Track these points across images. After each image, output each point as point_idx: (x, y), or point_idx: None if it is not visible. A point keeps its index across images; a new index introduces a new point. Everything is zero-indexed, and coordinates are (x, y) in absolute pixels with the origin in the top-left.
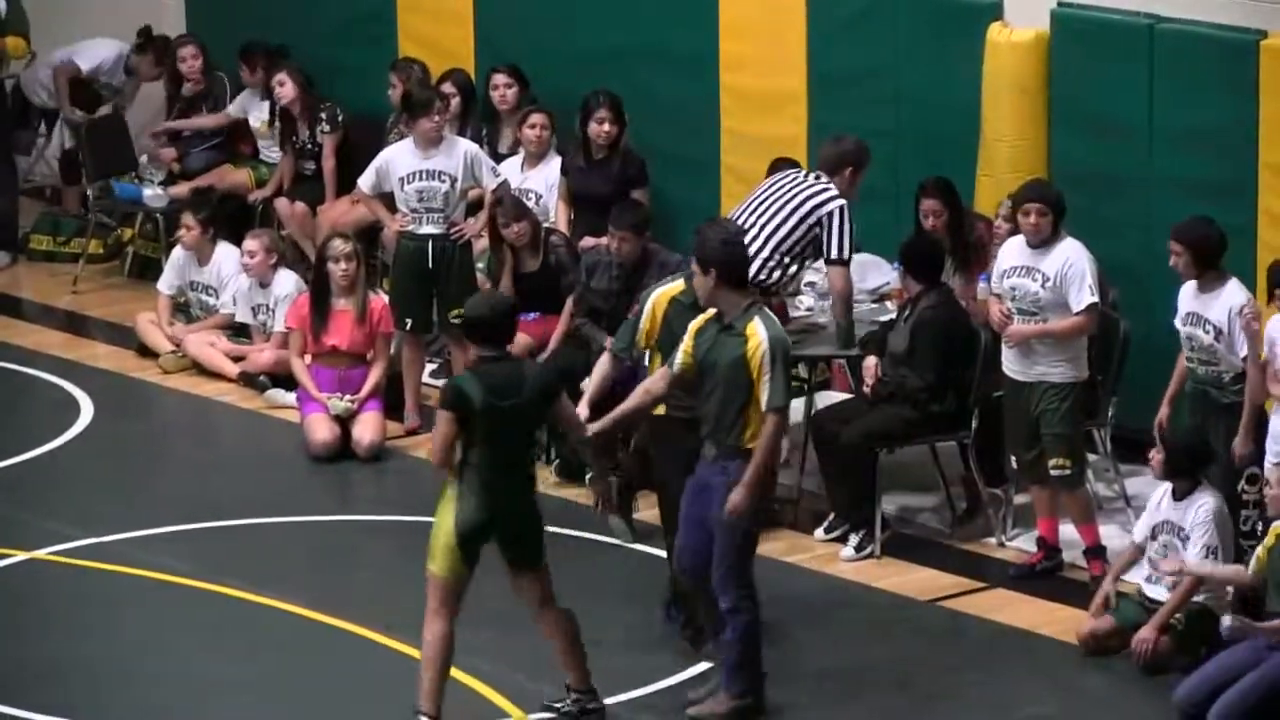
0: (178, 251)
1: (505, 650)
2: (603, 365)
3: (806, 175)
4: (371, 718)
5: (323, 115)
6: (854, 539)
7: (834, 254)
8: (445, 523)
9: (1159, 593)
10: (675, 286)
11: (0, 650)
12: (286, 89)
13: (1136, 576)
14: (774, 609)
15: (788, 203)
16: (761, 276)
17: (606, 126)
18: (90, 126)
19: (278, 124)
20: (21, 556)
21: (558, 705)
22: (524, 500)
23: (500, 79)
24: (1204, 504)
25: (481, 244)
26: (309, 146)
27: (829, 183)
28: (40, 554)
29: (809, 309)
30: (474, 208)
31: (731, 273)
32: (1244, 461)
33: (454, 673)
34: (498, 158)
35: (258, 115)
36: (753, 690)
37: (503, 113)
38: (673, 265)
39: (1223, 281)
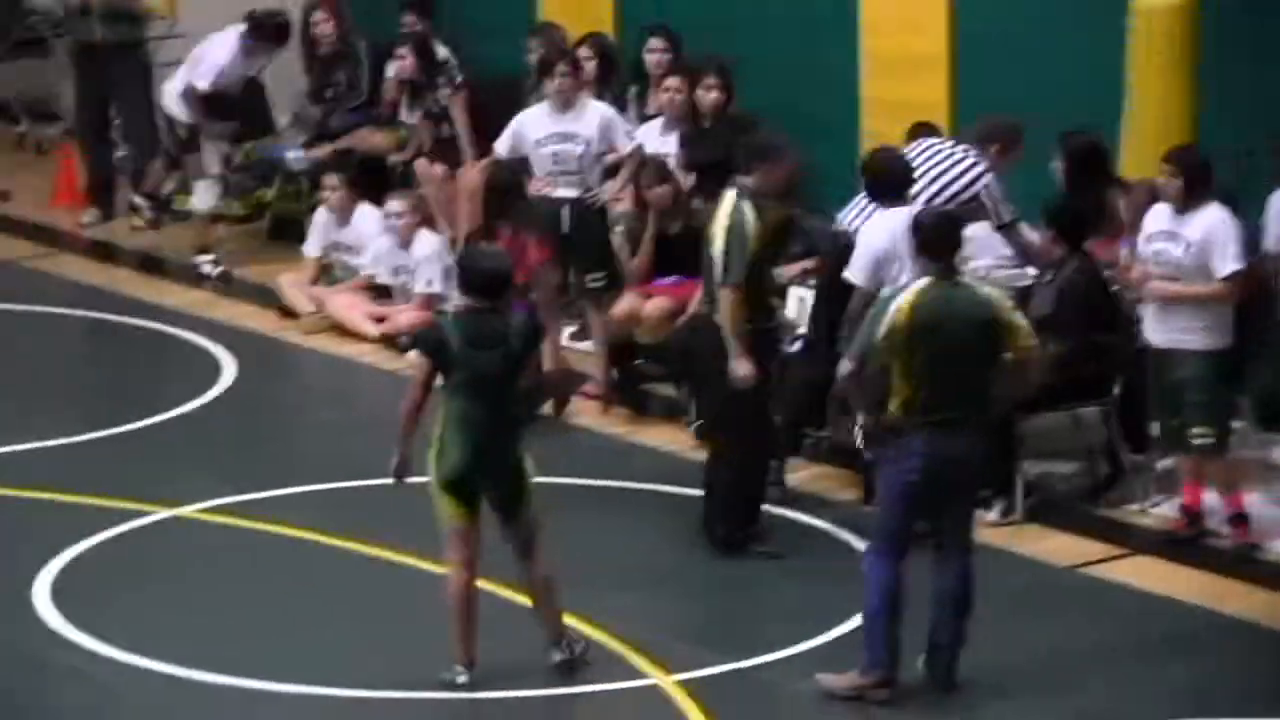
0: (321, 213)
1: (648, 613)
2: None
3: (954, 146)
4: (508, 674)
5: (440, 80)
6: (997, 505)
7: (1005, 219)
8: (430, 468)
9: None
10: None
11: (142, 605)
12: (407, 62)
13: None
14: (913, 574)
15: (934, 172)
16: None
17: (714, 94)
18: (227, 100)
19: (406, 94)
20: (164, 513)
21: (559, 659)
22: (505, 451)
23: (656, 43)
24: None
25: (619, 207)
26: (437, 110)
27: (977, 156)
28: (183, 511)
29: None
30: (611, 172)
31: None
32: None
33: (597, 634)
34: (646, 121)
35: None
36: (880, 664)
37: (655, 77)
38: (821, 233)
39: None
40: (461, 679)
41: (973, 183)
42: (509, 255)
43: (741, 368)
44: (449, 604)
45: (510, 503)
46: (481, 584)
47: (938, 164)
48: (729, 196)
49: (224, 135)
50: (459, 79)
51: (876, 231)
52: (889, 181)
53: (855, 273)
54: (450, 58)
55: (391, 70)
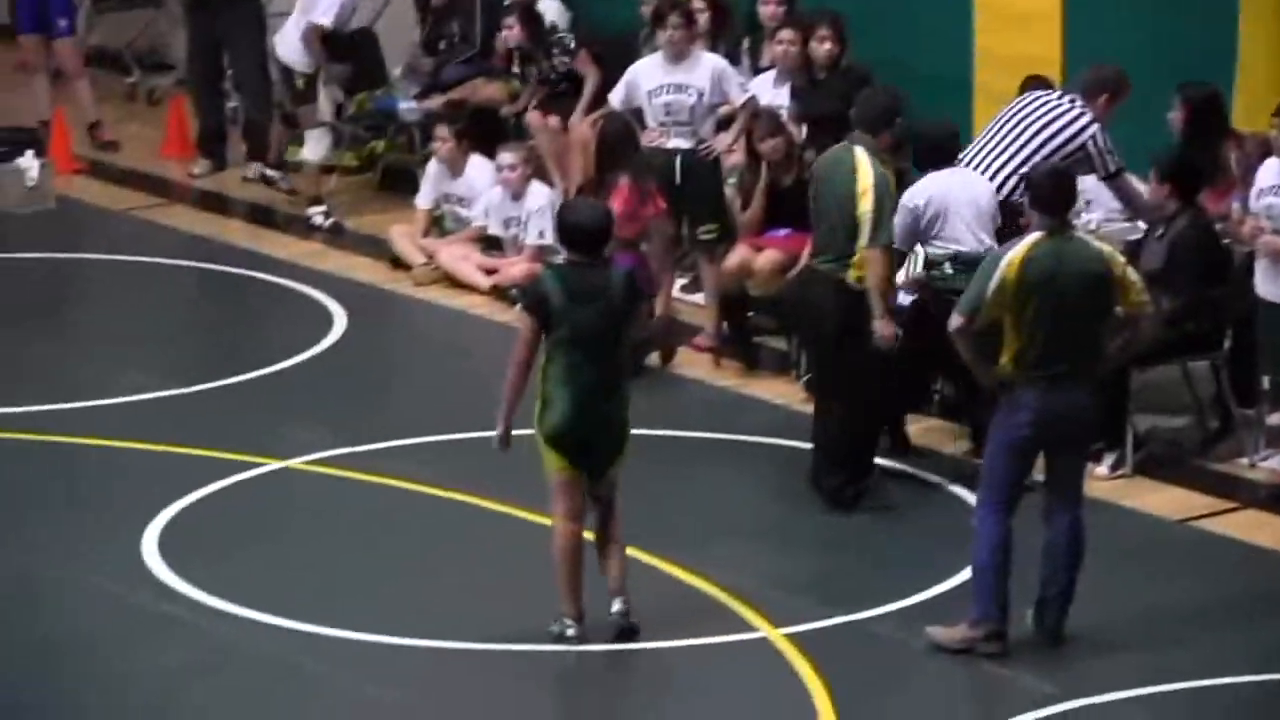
0: (433, 165)
1: (757, 566)
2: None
3: (1061, 98)
4: (611, 625)
5: (555, 51)
6: (1108, 458)
7: (1111, 169)
8: (538, 425)
9: None
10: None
11: (251, 558)
12: (514, 32)
13: None
14: (1025, 526)
15: (1039, 123)
16: (1005, 193)
17: (827, 46)
18: (345, 41)
19: (516, 62)
20: (275, 465)
21: (615, 615)
22: (609, 405)
23: None
24: None
25: (732, 159)
26: (553, 76)
27: (1083, 106)
28: (293, 463)
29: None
30: (724, 124)
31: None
32: None
33: (706, 586)
34: (758, 74)
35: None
36: (989, 617)
37: (769, 29)
38: None
39: None
40: (571, 632)
41: (1078, 134)
42: (608, 208)
43: (886, 328)
44: (555, 557)
45: (606, 458)
46: (587, 536)
47: (1042, 116)
48: (861, 155)
49: (341, 79)
50: (572, 45)
51: (913, 193)
52: (934, 150)
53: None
54: (558, 24)
55: (499, 38)
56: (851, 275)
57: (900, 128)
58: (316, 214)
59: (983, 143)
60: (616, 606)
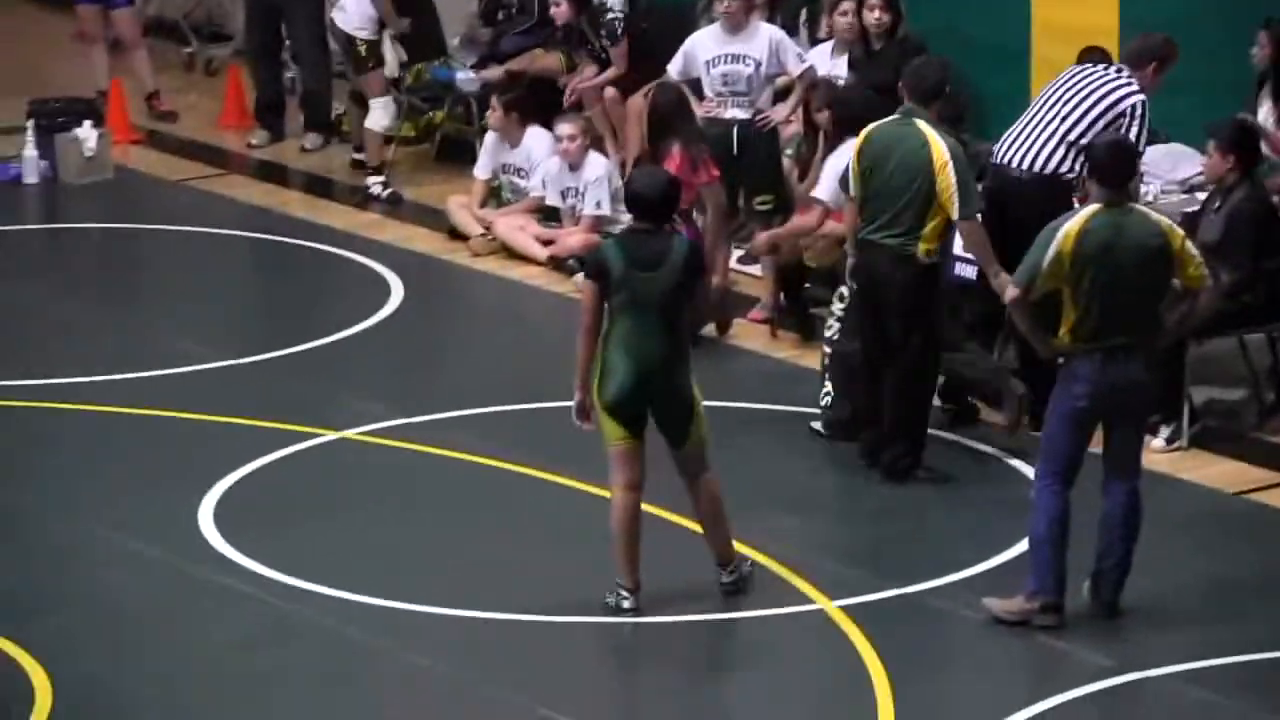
0: (490, 135)
1: (813, 538)
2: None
3: (1108, 69)
4: (670, 599)
5: (603, 32)
6: (1164, 430)
7: (1133, 138)
8: (595, 395)
9: None
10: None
11: (308, 529)
12: (562, 9)
13: None
14: (1083, 500)
15: (1087, 95)
16: (1051, 167)
17: (877, 14)
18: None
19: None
20: (332, 436)
21: (727, 581)
22: (670, 374)
23: None
24: None
25: (790, 130)
26: (603, 56)
27: (1130, 77)
28: (350, 433)
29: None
30: (782, 95)
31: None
32: None
33: (762, 559)
34: (818, 45)
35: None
36: (1045, 590)
37: (827, 1)
38: (984, 156)
39: None
40: (627, 603)
41: (1119, 101)
42: (674, 177)
43: (1005, 285)
44: (613, 529)
45: (675, 426)
46: (652, 510)
47: (1088, 88)
48: (927, 128)
49: (404, 31)
50: (620, 29)
51: (844, 152)
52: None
53: (822, 192)
54: (610, 3)
55: (550, 11)
56: (921, 249)
57: (961, 100)
58: (375, 184)
59: (1030, 116)
60: (724, 579)
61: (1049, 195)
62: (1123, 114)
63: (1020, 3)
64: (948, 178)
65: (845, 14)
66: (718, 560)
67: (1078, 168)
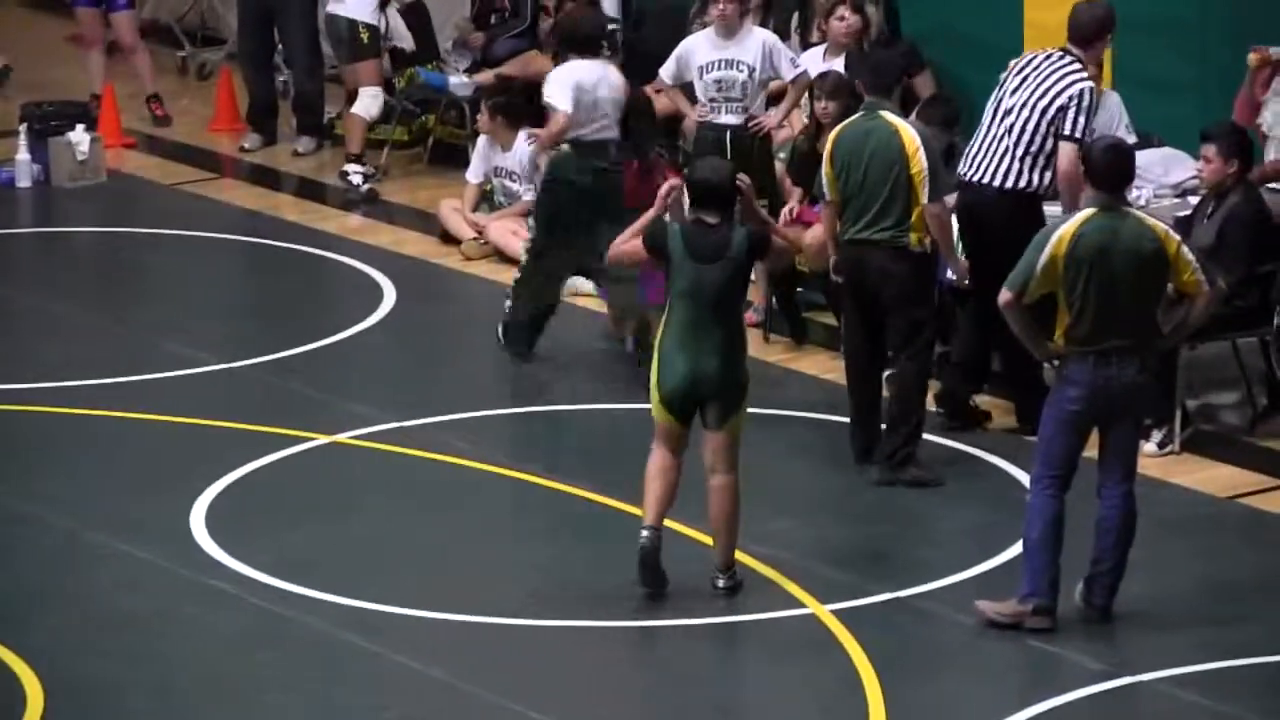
0: (482, 139)
1: (805, 541)
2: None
3: (1050, 57)
4: (663, 600)
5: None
6: (1156, 435)
7: (1076, 134)
8: (652, 380)
9: None
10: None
11: (301, 533)
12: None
13: None
14: (1075, 505)
15: (1033, 99)
16: (1015, 183)
17: (847, 21)
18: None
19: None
20: (324, 440)
21: (719, 587)
22: (724, 367)
23: None
24: None
25: (783, 135)
26: None
27: (1076, 59)
28: (342, 438)
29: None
30: (775, 100)
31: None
32: None
33: (753, 563)
34: (809, 49)
35: None
36: (1038, 593)
37: (819, 5)
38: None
39: None
40: (644, 535)
41: (1059, 95)
42: (735, 167)
43: (959, 267)
44: (648, 476)
45: (720, 411)
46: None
47: (1032, 89)
48: (893, 117)
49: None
50: (621, 40)
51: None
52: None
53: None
54: (614, 18)
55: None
56: (913, 239)
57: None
58: (356, 173)
59: (986, 129)
60: (720, 583)
61: (1018, 210)
62: (1063, 107)
63: (1012, 4)
64: (919, 162)
65: (842, 19)
66: (719, 564)
67: (1044, 178)
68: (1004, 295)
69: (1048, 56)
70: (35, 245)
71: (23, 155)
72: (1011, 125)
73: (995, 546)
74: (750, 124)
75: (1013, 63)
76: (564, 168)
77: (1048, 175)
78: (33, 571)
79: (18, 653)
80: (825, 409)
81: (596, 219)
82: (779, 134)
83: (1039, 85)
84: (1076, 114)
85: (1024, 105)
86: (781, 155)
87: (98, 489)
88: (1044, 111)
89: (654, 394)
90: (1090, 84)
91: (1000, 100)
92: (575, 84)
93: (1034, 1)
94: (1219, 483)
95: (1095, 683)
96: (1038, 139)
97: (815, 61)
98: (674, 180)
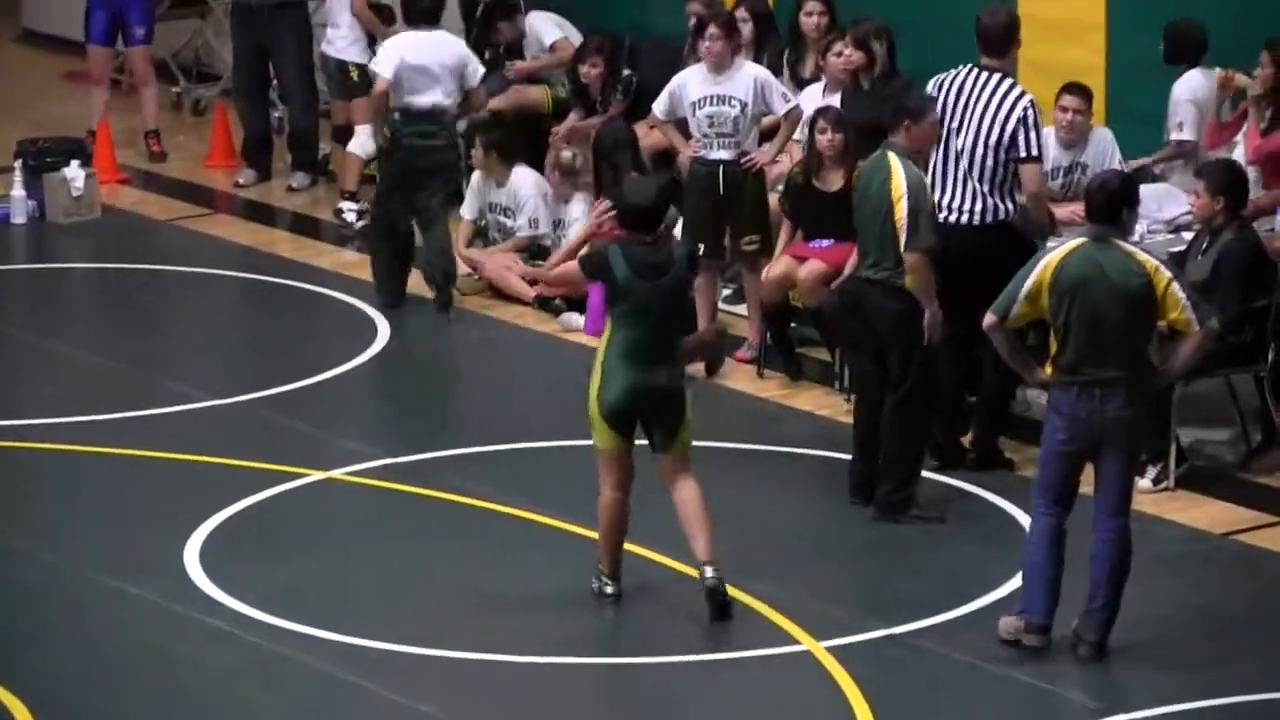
0: (477, 176)
1: (800, 578)
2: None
3: (979, 78)
4: (656, 636)
5: (619, 86)
6: (1151, 471)
7: (1029, 151)
8: (591, 398)
9: None
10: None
11: (295, 569)
12: (597, 72)
13: None
14: (1074, 539)
15: (983, 132)
16: (986, 219)
17: (845, 56)
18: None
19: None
20: (318, 476)
21: (708, 581)
22: (665, 381)
23: (814, 5)
24: None
25: (776, 170)
26: (600, 110)
27: (1004, 78)
28: (336, 474)
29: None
30: (767, 136)
31: None
32: None
33: (747, 599)
34: (801, 84)
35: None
36: (1035, 613)
37: (810, 40)
38: None
39: None
40: (609, 590)
41: (1007, 120)
42: (662, 186)
43: (933, 321)
44: (600, 522)
45: (666, 431)
46: (637, 551)
47: (978, 121)
48: (893, 159)
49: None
50: (634, 85)
51: None
52: None
53: None
54: (628, 71)
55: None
56: (908, 281)
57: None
58: (350, 210)
59: (946, 170)
60: (708, 574)
61: (996, 242)
62: (1014, 134)
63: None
64: (900, 210)
65: (839, 54)
66: (702, 560)
67: (1015, 200)
68: (988, 318)
69: (974, 80)
70: (30, 281)
71: (18, 191)
72: (970, 165)
73: (990, 584)
74: (743, 160)
75: (937, 82)
76: (399, 131)
77: (1018, 196)
78: (25, 607)
79: (10, 688)
80: (821, 445)
81: (425, 177)
82: (773, 169)
83: (982, 118)
84: (1027, 133)
85: (975, 143)
86: (778, 188)
87: (91, 525)
88: (997, 143)
89: (593, 413)
90: (1027, 96)
91: (947, 141)
92: (400, 53)
93: (1028, 40)
94: (1213, 519)
95: None
96: (1000, 170)
97: (814, 98)
98: (602, 205)
